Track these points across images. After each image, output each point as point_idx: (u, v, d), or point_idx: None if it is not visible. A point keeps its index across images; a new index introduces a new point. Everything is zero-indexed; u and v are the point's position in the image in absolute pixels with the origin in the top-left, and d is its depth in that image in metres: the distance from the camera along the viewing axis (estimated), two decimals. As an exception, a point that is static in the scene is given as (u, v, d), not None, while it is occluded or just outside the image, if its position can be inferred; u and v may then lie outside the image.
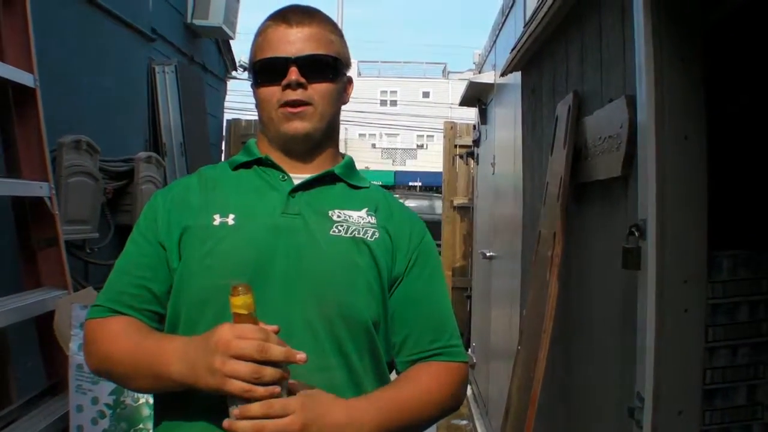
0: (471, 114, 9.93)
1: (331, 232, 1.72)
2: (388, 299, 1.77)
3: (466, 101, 8.34)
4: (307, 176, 1.79)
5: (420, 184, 32.87)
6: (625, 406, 2.45)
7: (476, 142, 8.73)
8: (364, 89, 43.83)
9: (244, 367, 1.42)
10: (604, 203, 2.90)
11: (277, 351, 1.45)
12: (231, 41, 10.51)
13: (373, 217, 1.79)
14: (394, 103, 47.89)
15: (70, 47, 4.90)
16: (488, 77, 7.21)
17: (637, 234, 2.35)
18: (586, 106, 3.11)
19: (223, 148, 11.04)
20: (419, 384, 1.73)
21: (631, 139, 2.48)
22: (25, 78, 3.33)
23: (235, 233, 1.69)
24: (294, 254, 1.67)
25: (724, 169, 2.50)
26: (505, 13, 6.08)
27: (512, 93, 5.64)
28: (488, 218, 7.30)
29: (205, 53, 9.54)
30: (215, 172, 1.85)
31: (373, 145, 44.04)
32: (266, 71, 1.76)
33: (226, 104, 11.62)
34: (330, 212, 1.75)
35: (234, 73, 11.52)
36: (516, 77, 5.13)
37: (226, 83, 11.25)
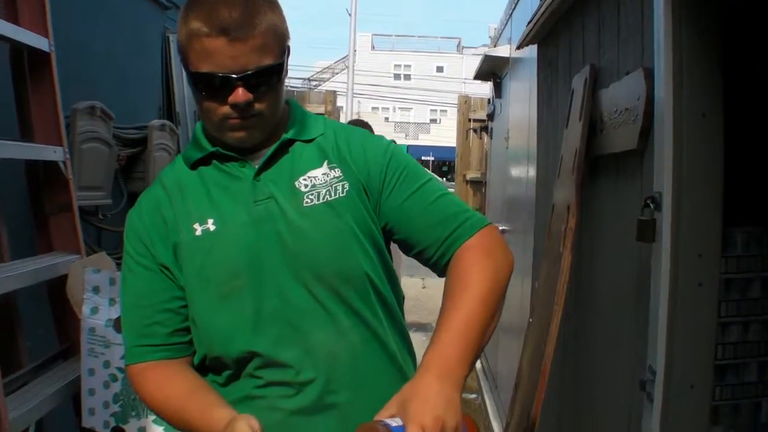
0: (484, 90, 9.92)
1: (304, 204, 1.74)
2: (382, 244, 1.81)
3: (480, 75, 8.31)
4: (263, 154, 1.79)
5: (433, 158, 32.87)
6: (637, 379, 2.46)
7: (490, 116, 8.71)
8: (377, 63, 43.73)
9: None
10: (619, 176, 2.89)
11: None
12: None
13: (336, 169, 1.79)
14: (408, 77, 47.82)
15: (85, 14, 4.88)
16: (504, 51, 7.19)
17: (652, 206, 2.34)
18: (603, 79, 3.09)
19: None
20: (462, 286, 1.66)
21: (647, 113, 2.47)
22: (40, 42, 3.31)
23: (219, 240, 1.74)
24: (279, 241, 1.72)
25: (739, 146, 2.48)
26: (522, -14, 6.05)
27: (527, 67, 5.61)
28: (501, 192, 7.30)
29: (219, 23, 9.51)
30: (176, 176, 1.84)
31: (386, 119, 43.99)
32: (208, 86, 1.66)
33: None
34: (296, 183, 1.76)
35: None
36: (531, 51, 5.11)
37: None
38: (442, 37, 54.09)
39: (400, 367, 1.83)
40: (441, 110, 44.09)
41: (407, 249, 1.84)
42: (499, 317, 1.68)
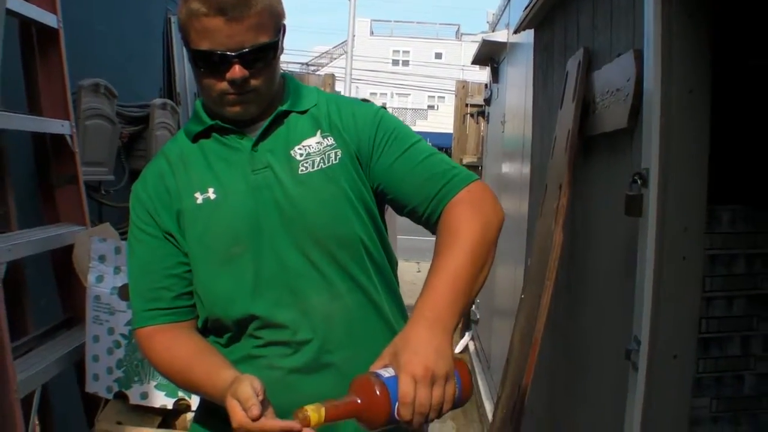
0: (482, 77, 9.97)
1: (300, 172, 1.81)
2: (375, 210, 1.89)
3: (479, 60, 8.37)
4: (260, 126, 1.85)
5: (430, 144, 32.83)
6: (623, 349, 2.54)
7: (487, 101, 8.77)
8: (376, 48, 43.60)
9: None
10: (610, 155, 2.97)
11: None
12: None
13: (329, 138, 1.86)
14: (406, 63, 47.63)
15: (89, -7, 4.95)
16: (501, 36, 7.24)
17: (639, 182, 2.43)
18: (596, 62, 3.18)
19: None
20: (452, 238, 1.71)
21: (637, 92, 2.55)
22: (48, 18, 3.39)
23: (219, 208, 1.81)
24: (277, 208, 1.79)
25: (727, 127, 2.57)
26: (521, -29, 6.11)
27: (524, 52, 5.68)
28: (497, 177, 7.35)
29: (220, 5, 9.54)
30: (178, 149, 1.90)
31: (384, 105, 43.79)
32: (206, 63, 1.72)
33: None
34: (291, 152, 1.83)
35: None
36: (528, 36, 5.18)
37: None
38: (440, 24, 54.15)
39: (394, 329, 1.86)
40: (439, 96, 43.96)
41: (399, 209, 1.90)
42: (489, 269, 1.73)
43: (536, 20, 4.65)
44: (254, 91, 1.76)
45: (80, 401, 3.57)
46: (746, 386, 2.90)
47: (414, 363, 1.47)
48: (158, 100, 5.80)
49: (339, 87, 17.82)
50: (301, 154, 1.83)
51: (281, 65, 1.86)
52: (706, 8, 2.40)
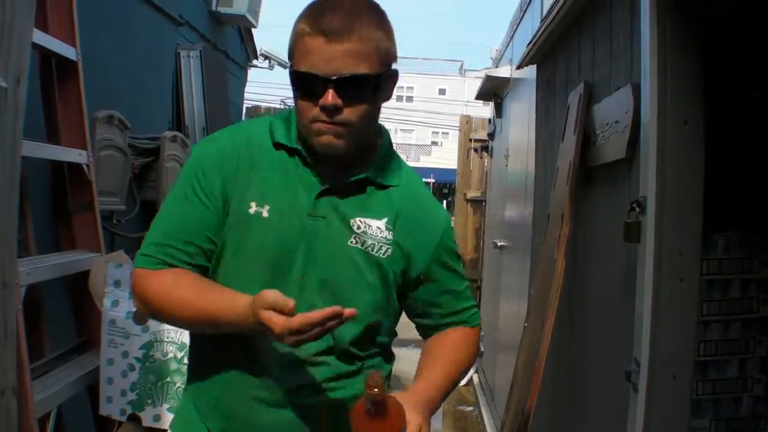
0: (485, 112, 10.07)
1: (349, 242, 1.82)
2: (394, 304, 1.95)
3: (482, 95, 8.48)
4: (338, 176, 1.82)
5: (434, 180, 32.90)
6: (623, 370, 2.62)
7: (491, 136, 8.86)
8: (380, 84, 43.59)
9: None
10: (610, 184, 3.06)
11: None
12: (254, 30, 10.64)
13: (391, 232, 1.85)
14: (410, 98, 47.84)
15: (104, 27, 5.05)
16: (505, 71, 7.34)
17: (637, 209, 2.52)
18: (596, 95, 3.28)
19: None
20: (452, 353, 1.98)
21: (635, 123, 2.65)
22: (68, 51, 3.50)
23: (264, 229, 1.80)
24: (312, 259, 1.81)
25: (722, 154, 2.66)
26: (523, 9, 6.23)
27: (527, 87, 5.78)
28: (500, 211, 7.41)
29: (228, 41, 9.68)
30: (259, 143, 1.85)
31: (388, 142, 43.73)
32: (302, 85, 1.70)
33: (245, 93, 11.76)
34: (352, 221, 1.82)
35: (255, 62, 11.66)
36: (531, 72, 5.28)
37: (247, 72, 11.38)
38: (444, 60, 54.22)
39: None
40: (443, 132, 44.09)
41: (412, 314, 2.04)
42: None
43: (538, 56, 4.76)
44: (346, 125, 1.71)
45: (93, 423, 3.63)
46: (744, 408, 2.96)
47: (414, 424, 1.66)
48: (169, 133, 5.91)
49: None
50: (358, 227, 1.82)
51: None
52: (698, 40, 2.50)
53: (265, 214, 1.80)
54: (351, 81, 1.67)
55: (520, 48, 5.84)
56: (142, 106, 5.96)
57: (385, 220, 1.85)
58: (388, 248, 1.85)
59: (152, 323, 3.29)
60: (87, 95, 3.73)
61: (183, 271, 1.79)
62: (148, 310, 1.86)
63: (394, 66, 1.80)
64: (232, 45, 9.96)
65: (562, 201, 3.38)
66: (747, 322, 2.91)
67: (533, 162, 5.02)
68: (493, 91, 8.04)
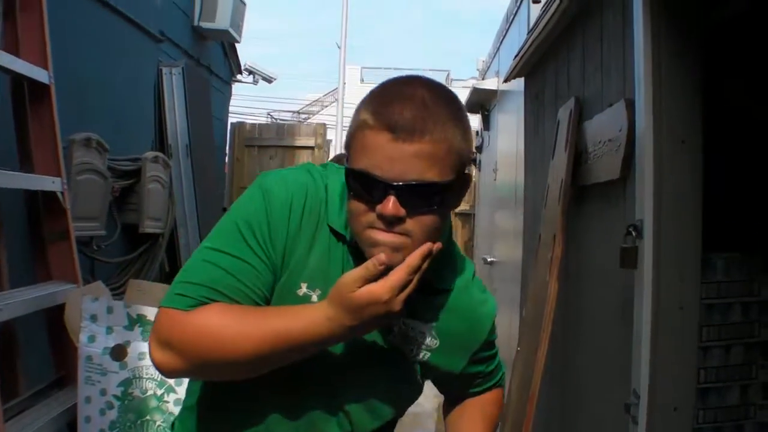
0: (473, 123, 10.01)
1: (388, 344, 1.63)
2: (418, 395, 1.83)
3: (469, 107, 8.39)
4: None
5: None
6: (622, 402, 2.52)
7: (479, 149, 8.80)
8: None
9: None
10: (603, 205, 2.97)
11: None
12: (237, 45, 10.57)
13: (435, 341, 1.67)
14: (397, 110, 47.90)
15: (81, 46, 4.97)
16: (491, 84, 7.29)
17: (634, 234, 2.42)
18: (587, 111, 3.19)
19: (228, 151, 11.08)
20: (488, 414, 1.92)
21: (629, 142, 2.55)
22: (40, 74, 3.40)
23: None
24: (346, 358, 1.61)
25: (719, 172, 2.57)
26: (509, 20, 6.16)
27: (515, 99, 5.71)
28: (489, 224, 7.36)
29: (211, 56, 9.61)
30: (319, 213, 1.58)
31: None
32: (358, 185, 1.43)
33: (230, 108, 11.69)
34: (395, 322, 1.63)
35: (239, 76, 11.59)
36: (519, 84, 5.21)
37: (231, 87, 11.31)
38: (431, 70, 54.30)
39: None
40: (430, 143, 44.08)
41: (440, 387, 1.92)
42: None
43: (526, 69, 4.68)
44: (408, 237, 1.42)
45: (72, 463, 3.51)
46: (746, 435, 2.87)
47: None
48: (150, 154, 5.82)
49: (331, 135, 17.87)
50: (401, 328, 1.63)
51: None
52: (697, 56, 2.41)
53: (314, 299, 1.54)
54: (417, 189, 1.39)
55: (506, 59, 5.76)
56: (123, 125, 5.87)
57: (430, 325, 1.66)
58: (427, 354, 1.67)
59: (130, 358, 3.17)
60: (64, 117, 3.63)
61: (223, 303, 1.48)
62: (186, 359, 1.47)
63: (467, 170, 1.51)
64: (215, 60, 9.89)
65: (553, 221, 3.28)
66: (749, 346, 2.82)
67: (522, 176, 4.94)
68: (480, 103, 7.98)
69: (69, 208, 3.55)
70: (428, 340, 1.66)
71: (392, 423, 1.78)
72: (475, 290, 1.76)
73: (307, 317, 1.43)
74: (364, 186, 1.41)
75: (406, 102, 1.40)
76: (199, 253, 1.54)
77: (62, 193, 3.50)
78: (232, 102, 11.73)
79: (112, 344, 3.17)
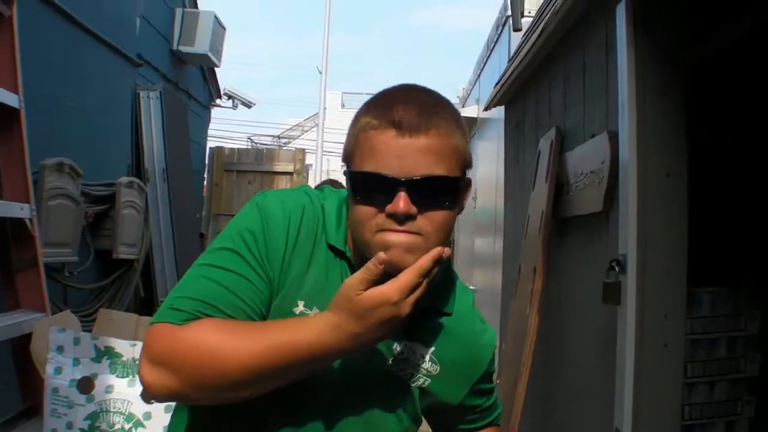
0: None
1: (387, 367, 1.57)
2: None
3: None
4: None
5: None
6: (604, 440, 2.46)
7: (459, 175, 8.78)
8: (347, 120, 43.78)
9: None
10: (585, 238, 2.91)
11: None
12: (216, 69, 10.53)
13: (435, 367, 1.61)
14: (377, 135, 48.10)
15: (55, 69, 4.90)
16: (471, 111, 7.27)
17: (617, 269, 2.36)
18: (568, 141, 3.14)
19: (206, 176, 11.01)
20: None
21: (612, 175, 2.50)
22: (9, 98, 3.32)
23: None
24: (345, 379, 1.54)
25: (702, 201, 2.52)
26: (490, 48, 6.15)
27: (495, 127, 5.69)
28: (469, 252, 7.33)
29: (190, 80, 9.56)
30: (316, 232, 1.54)
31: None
32: (365, 187, 1.39)
33: (209, 132, 11.64)
34: (395, 344, 1.56)
35: (218, 101, 11.54)
36: (499, 111, 5.18)
37: (210, 111, 11.26)
38: (411, 96, 54.41)
39: None
40: (410, 168, 44.22)
41: (433, 418, 1.80)
42: None
43: (506, 97, 4.65)
44: (420, 236, 1.37)
45: (38, 497, 3.40)
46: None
47: None
48: (125, 179, 5.74)
49: (310, 160, 17.85)
50: (400, 352, 1.57)
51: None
52: (680, 89, 2.37)
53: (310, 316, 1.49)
54: (427, 183, 1.36)
55: (487, 87, 5.75)
56: (98, 149, 5.79)
57: (431, 351, 1.60)
58: (427, 380, 1.60)
59: (97, 391, 3.08)
60: (36, 141, 3.55)
61: (217, 318, 1.40)
62: (180, 377, 1.36)
63: (468, 174, 1.49)
64: (194, 84, 9.83)
65: (534, 252, 3.22)
66: (734, 381, 2.77)
67: (502, 205, 4.90)
68: (460, 130, 7.95)
69: (38, 235, 3.46)
70: (428, 365, 1.60)
71: None
72: (475, 320, 1.71)
73: (311, 327, 1.36)
74: (371, 187, 1.37)
75: (408, 102, 1.39)
76: (193, 269, 1.48)
77: (30, 219, 3.41)
78: (211, 126, 11.70)
79: (78, 376, 3.07)
